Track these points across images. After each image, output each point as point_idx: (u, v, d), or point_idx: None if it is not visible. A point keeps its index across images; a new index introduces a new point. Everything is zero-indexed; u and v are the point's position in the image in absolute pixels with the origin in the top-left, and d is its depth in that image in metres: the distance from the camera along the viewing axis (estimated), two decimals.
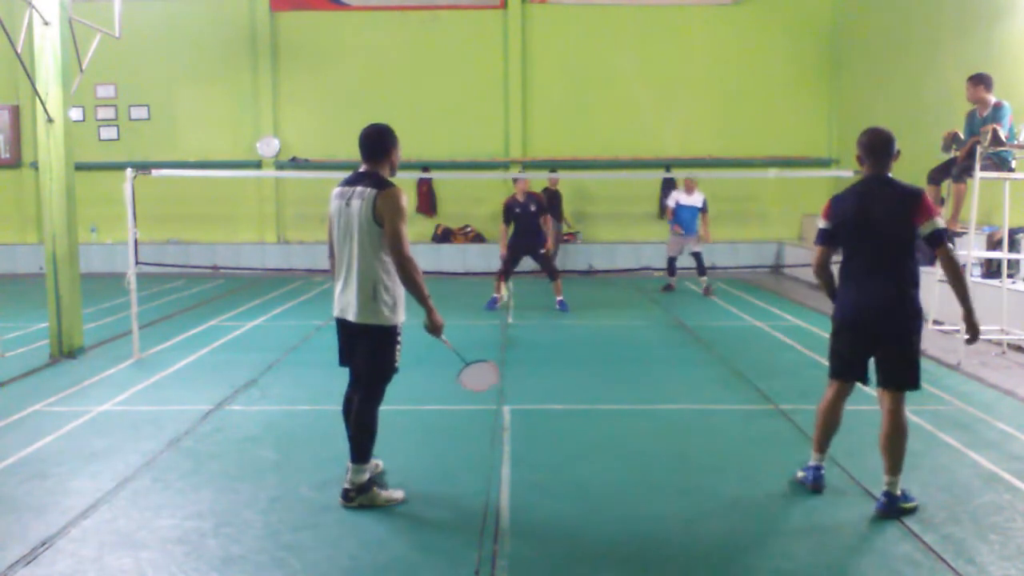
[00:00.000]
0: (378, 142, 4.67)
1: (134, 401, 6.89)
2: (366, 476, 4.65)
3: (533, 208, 11.43)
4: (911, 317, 4.44)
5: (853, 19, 16.15)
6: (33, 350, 8.76)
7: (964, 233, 8.85)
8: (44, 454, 5.54)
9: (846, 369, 4.65)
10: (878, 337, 4.47)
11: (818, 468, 4.81)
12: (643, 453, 5.58)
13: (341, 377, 7.56)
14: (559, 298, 11.51)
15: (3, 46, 8.85)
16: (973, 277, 8.83)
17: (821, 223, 4.69)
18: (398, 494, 4.71)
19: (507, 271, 11.62)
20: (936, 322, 8.89)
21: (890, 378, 4.47)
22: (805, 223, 16.67)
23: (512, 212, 11.48)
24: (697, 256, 13.07)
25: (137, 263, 8.60)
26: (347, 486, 4.62)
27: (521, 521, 4.43)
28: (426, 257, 15.98)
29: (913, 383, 4.46)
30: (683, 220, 13.12)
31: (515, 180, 12.14)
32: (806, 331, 9.78)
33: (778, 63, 16.90)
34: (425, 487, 4.93)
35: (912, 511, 4.46)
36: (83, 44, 9.08)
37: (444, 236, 16.77)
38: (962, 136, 8.47)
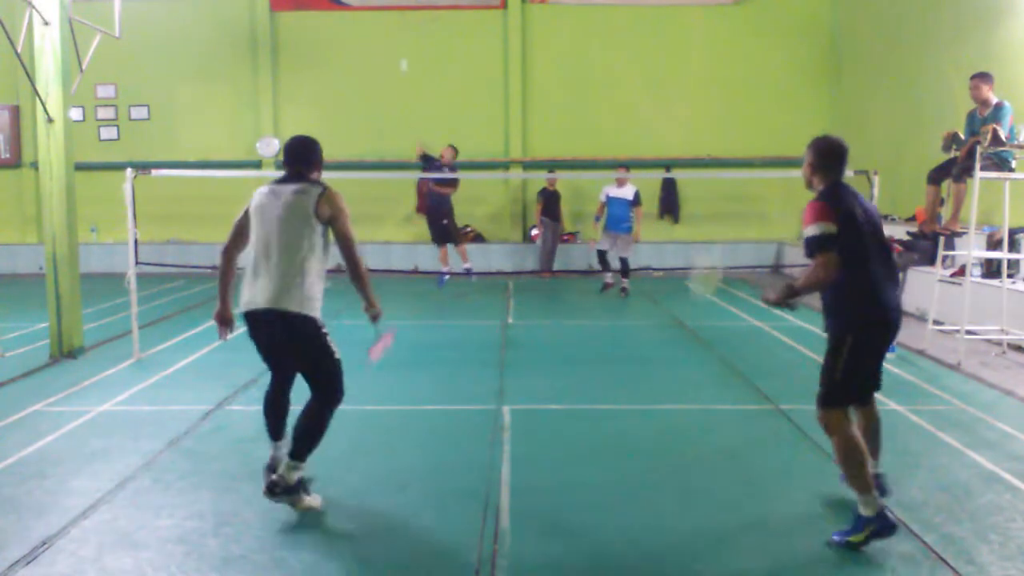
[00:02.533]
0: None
1: (134, 401, 6.89)
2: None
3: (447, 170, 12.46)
4: None
5: (853, 19, 16.14)
6: (33, 350, 8.76)
7: (964, 233, 8.85)
8: (44, 454, 5.54)
9: (873, 384, 4.44)
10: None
11: (884, 510, 4.13)
12: (643, 453, 5.58)
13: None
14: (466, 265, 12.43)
15: (3, 46, 8.84)
16: (973, 277, 8.82)
17: (825, 227, 4.11)
18: (317, 501, 4.61)
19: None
20: (936, 322, 8.89)
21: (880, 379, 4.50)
22: None
23: None
24: (624, 261, 12.74)
25: (137, 263, 8.60)
26: (275, 478, 4.47)
27: (521, 521, 4.43)
28: (426, 257, 15.96)
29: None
30: (612, 214, 12.64)
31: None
32: (806, 331, 9.76)
33: (778, 63, 16.88)
34: (425, 487, 4.94)
35: None
36: (83, 44, 9.07)
37: None
38: (962, 136, 8.47)
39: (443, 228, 12.51)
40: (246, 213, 4.67)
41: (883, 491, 4.48)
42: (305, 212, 4.44)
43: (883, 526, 4.09)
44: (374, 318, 4.73)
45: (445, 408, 6.63)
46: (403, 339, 8.70)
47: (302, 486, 4.52)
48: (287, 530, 4.33)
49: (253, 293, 4.47)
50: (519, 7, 16.71)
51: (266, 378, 7.39)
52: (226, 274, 4.75)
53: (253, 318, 4.51)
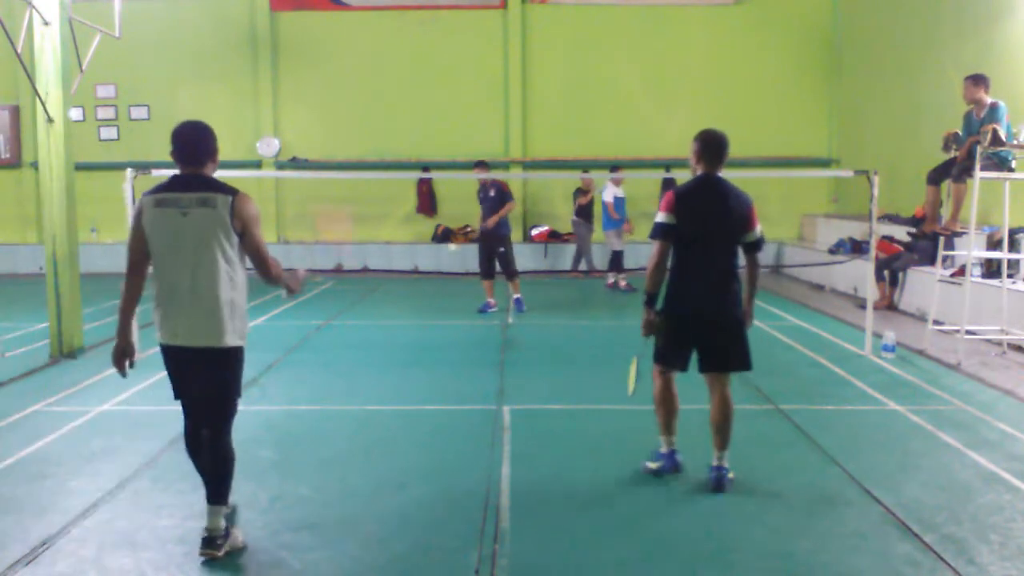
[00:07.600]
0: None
1: (134, 401, 6.89)
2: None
3: (492, 193, 11.01)
4: (738, 306, 5.02)
5: (853, 19, 16.15)
6: (33, 350, 8.76)
7: (964, 233, 8.85)
8: (44, 454, 5.54)
9: (679, 358, 5.06)
10: (715, 327, 4.93)
11: (673, 452, 5.17)
12: (643, 453, 5.57)
13: (340, 377, 7.59)
14: (516, 296, 11.31)
15: (3, 46, 8.84)
16: (973, 277, 8.82)
17: (664, 217, 4.85)
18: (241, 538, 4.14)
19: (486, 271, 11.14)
20: (936, 322, 8.89)
21: (728, 362, 5.00)
22: (805, 223, 16.66)
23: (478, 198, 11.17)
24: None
25: None
26: (210, 534, 3.96)
27: (521, 521, 4.43)
28: (426, 257, 16.00)
29: (749, 364, 5.00)
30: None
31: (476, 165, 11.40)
32: (806, 331, 9.78)
33: (778, 63, 16.89)
34: (425, 487, 4.93)
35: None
36: (83, 44, 9.08)
37: (444, 236, 16.76)
38: (962, 136, 8.47)
39: (503, 256, 11.06)
40: (139, 232, 3.97)
41: (716, 485, 4.82)
42: (223, 225, 3.94)
43: (669, 464, 5.12)
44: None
45: (445, 408, 6.63)
46: (403, 339, 8.71)
47: (231, 524, 4.15)
48: (287, 530, 4.33)
49: (175, 326, 3.97)
50: (519, 7, 16.71)
51: (266, 378, 7.38)
52: (131, 303, 4.09)
53: (175, 353, 4.05)
